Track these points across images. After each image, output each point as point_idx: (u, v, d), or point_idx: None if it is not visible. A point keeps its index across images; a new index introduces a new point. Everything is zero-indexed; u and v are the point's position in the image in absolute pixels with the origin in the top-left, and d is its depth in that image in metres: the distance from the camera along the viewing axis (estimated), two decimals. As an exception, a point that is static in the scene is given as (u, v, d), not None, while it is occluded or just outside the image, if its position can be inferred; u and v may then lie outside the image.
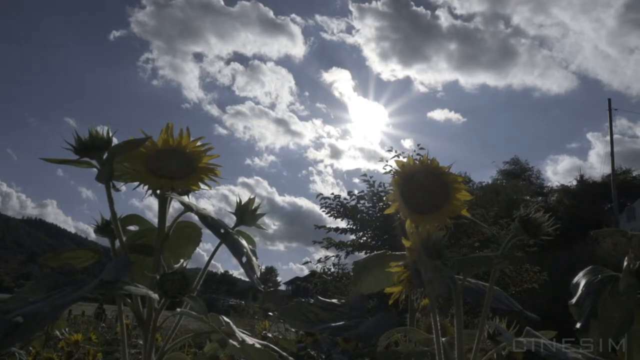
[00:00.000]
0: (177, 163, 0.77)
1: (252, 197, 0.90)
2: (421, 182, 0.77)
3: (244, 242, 0.77)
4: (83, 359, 2.24)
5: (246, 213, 0.90)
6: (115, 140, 0.80)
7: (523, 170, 28.65)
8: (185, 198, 0.78)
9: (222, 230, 0.73)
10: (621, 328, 0.74)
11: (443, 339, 0.81)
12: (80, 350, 2.29)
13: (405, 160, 0.77)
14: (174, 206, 0.82)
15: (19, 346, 2.11)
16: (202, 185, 0.79)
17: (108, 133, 0.79)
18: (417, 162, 0.77)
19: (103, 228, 0.92)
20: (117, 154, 0.76)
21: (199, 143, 0.77)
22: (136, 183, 0.77)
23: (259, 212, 0.90)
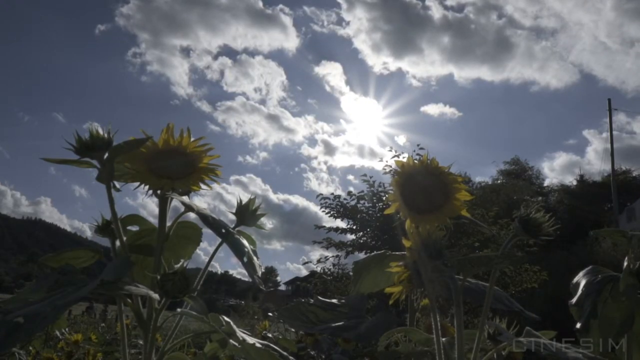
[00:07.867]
0: (178, 163, 0.77)
1: (252, 197, 0.91)
2: (421, 182, 0.77)
3: (245, 242, 0.77)
4: (83, 359, 2.24)
5: (246, 213, 0.90)
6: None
7: (523, 170, 28.63)
8: (185, 198, 0.78)
9: (224, 230, 0.73)
10: (621, 328, 0.74)
11: (443, 339, 0.81)
12: (80, 350, 2.29)
13: (404, 160, 0.77)
14: (172, 206, 0.82)
15: (19, 346, 2.11)
16: (202, 186, 0.79)
17: (109, 133, 0.79)
18: (417, 162, 0.77)
19: (104, 228, 0.92)
20: (117, 154, 0.76)
21: (199, 143, 0.78)
22: (137, 183, 0.77)
23: (259, 212, 0.91)
